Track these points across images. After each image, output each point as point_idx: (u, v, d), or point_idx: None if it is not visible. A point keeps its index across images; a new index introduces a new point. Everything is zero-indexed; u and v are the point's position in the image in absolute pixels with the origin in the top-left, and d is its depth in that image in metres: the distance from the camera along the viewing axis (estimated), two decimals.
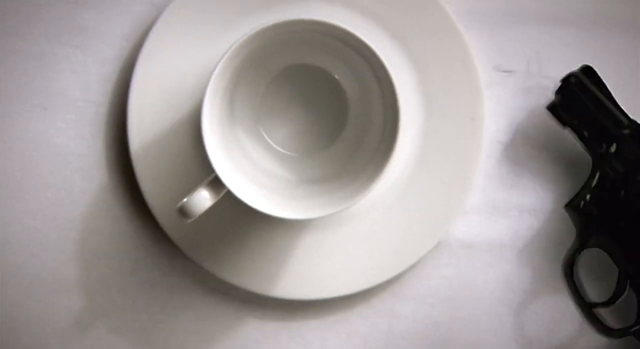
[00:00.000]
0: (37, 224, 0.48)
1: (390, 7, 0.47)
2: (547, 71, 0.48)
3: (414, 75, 0.48)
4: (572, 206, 0.46)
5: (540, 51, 0.49)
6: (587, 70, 0.46)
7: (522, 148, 0.49)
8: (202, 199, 0.42)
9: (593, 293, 0.48)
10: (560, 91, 0.46)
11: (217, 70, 0.42)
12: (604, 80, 0.47)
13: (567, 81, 0.46)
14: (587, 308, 0.46)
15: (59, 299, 0.48)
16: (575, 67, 0.47)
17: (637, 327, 0.46)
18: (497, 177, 0.49)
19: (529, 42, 0.49)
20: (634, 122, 0.46)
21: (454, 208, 0.47)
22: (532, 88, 0.48)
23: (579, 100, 0.46)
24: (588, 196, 0.46)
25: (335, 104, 0.47)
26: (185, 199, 0.42)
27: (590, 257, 0.48)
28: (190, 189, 0.43)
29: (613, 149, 0.46)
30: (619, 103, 0.46)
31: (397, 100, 0.42)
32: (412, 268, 0.47)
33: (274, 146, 0.48)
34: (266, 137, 0.48)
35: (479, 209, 0.49)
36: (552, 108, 0.46)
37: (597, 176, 0.46)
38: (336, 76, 0.47)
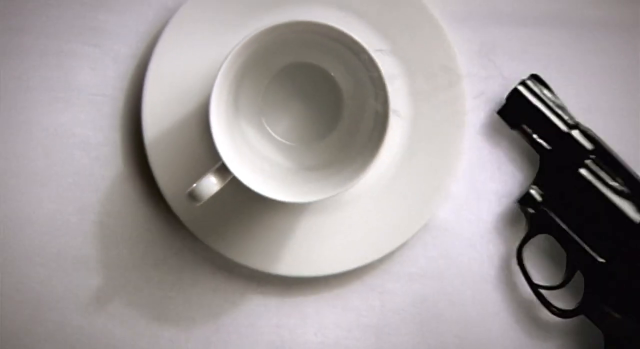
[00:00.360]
0: (59, 207, 0.51)
1: (381, 10, 0.50)
2: (523, 70, 0.51)
3: (402, 73, 0.50)
4: (521, 200, 0.50)
5: (518, 51, 0.51)
6: (534, 78, 0.50)
7: (500, 141, 0.51)
8: (210, 184, 0.45)
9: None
10: (509, 98, 0.50)
11: (223, 68, 0.45)
12: (585, 80, 0.51)
13: (514, 90, 0.49)
14: (535, 290, 0.50)
15: (80, 277, 0.51)
16: (554, 67, 0.51)
17: (585, 306, 0.49)
18: (478, 166, 0.51)
19: (508, 42, 0.52)
20: (577, 123, 0.49)
21: (439, 193, 0.50)
22: (510, 86, 0.50)
23: (525, 106, 0.49)
24: (535, 191, 0.49)
25: (331, 98, 0.50)
26: (194, 185, 0.45)
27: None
28: (199, 175, 0.45)
29: (557, 147, 0.49)
30: (568, 104, 0.50)
31: (387, 95, 0.45)
32: (401, 247, 0.50)
33: (275, 136, 0.50)
34: (268, 128, 0.50)
35: (462, 195, 0.51)
36: (502, 112, 0.50)
37: (543, 172, 0.50)
38: (332, 73, 0.49)
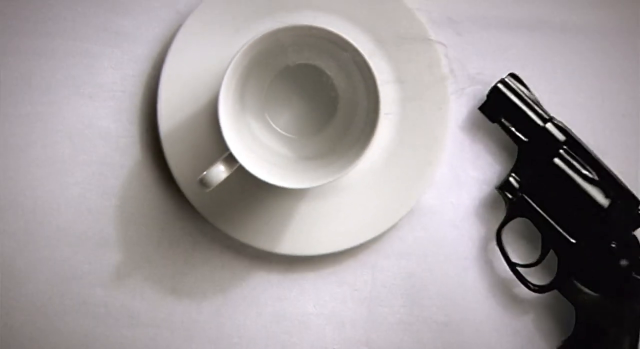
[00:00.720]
0: (83, 192, 0.54)
1: (373, 16, 0.53)
2: (503, 71, 0.55)
3: (392, 73, 0.54)
4: (501, 187, 0.54)
5: (498, 53, 0.55)
6: (512, 77, 0.54)
7: (481, 134, 0.55)
8: (219, 172, 0.48)
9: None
10: (489, 95, 0.54)
11: (230, 68, 0.48)
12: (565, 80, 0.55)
13: (494, 87, 0.53)
14: (512, 268, 0.54)
15: (102, 254, 0.54)
16: (530, 67, 0.55)
17: (557, 282, 0.54)
18: (460, 157, 0.55)
19: (488, 46, 0.55)
20: (551, 117, 0.53)
21: (425, 180, 0.54)
22: (489, 84, 0.54)
23: (504, 102, 0.53)
24: (513, 178, 0.54)
25: (327, 95, 0.53)
26: (204, 173, 0.48)
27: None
28: (209, 164, 0.48)
29: (533, 139, 0.53)
30: (543, 100, 0.54)
31: (378, 92, 0.48)
32: (390, 229, 0.54)
33: (277, 129, 0.53)
34: (271, 122, 0.53)
35: (445, 182, 0.55)
36: (483, 108, 0.54)
37: (521, 161, 0.54)
38: (328, 72, 0.53)
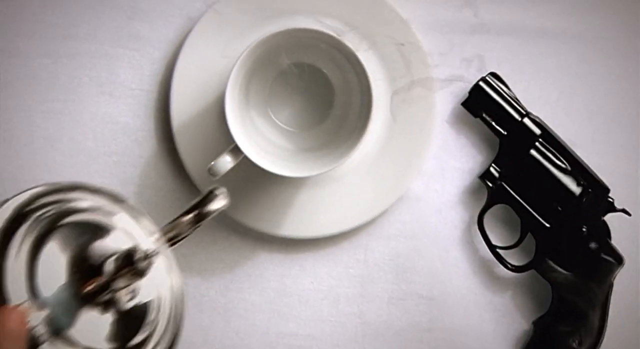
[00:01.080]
0: (105, 181, 0.59)
1: (368, 21, 0.58)
2: (484, 70, 0.60)
3: (383, 72, 0.58)
4: (483, 176, 0.59)
5: (481, 56, 0.60)
6: (492, 76, 0.59)
7: (463, 127, 0.60)
8: (225, 162, 0.53)
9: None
10: (471, 91, 0.59)
11: (235, 68, 0.53)
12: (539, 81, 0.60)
13: (476, 85, 0.58)
14: (493, 250, 0.59)
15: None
16: (509, 67, 0.60)
17: (534, 263, 0.59)
18: (446, 148, 0.60)
19: (472, 50, 0.60)
20: (528, 112, 0.58)
21: (413, 170, 0.59)
22: (471, 82, 0.59)
23: (485, 98, 0.58)
24: (493, 168, 0.59)
25: (325, 92, 0.58)
26: (212, 162, 0.53)
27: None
28: (217, 155, 0.53)
29: (511, 132, 0.58)
30: (520, 97, 0.59)
31: (371, 89, 0.53)
32: (381, 214, 0.59)
33: (279, 123, 0.58)
34: (273, 117, 0.58)
35: (431, 171, 0.60)
36: (465, 104, 0.59)
37: (501, 152, 0.59)
38: (325, 71, 0.58)
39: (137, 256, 0.40)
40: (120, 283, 0.41)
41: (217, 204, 0.42)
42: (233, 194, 0.56)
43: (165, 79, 0.60)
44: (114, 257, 0.41)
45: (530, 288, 0.61)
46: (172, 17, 0.60)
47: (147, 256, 0.40)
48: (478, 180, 0.60)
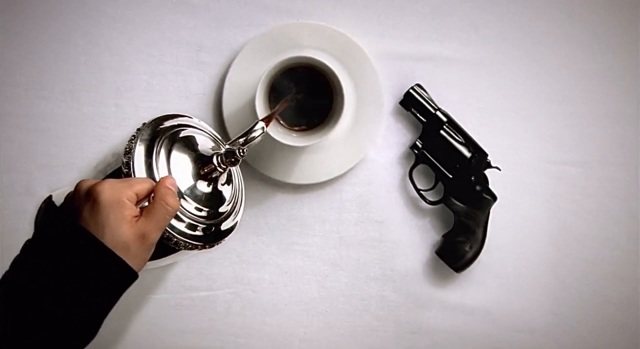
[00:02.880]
0: None
1: (343, 55, 0.93)
2: (413, 80, 0.96)
3: (351, 82, 0.93)
4: (412, 147, 0.95)
5: (413, 73, 0.97)
6: (418, 86, 0.95)
7: (400, 117, 0.96)
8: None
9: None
10: (405, 95, 0.94)
11: (262, 80, 0.87)
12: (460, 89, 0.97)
13: (407, 91, 0.94)
14: (418, 191, 0.95)
15: None
16: (430, 78, 0.97)
17: (443, 199, 0.96)
18: (390, 130, 0.96)
19: (408, 70, 0.96)
20: (438, 108, 0.94)
21: (369, 143, 0.94)
22: (405, 89, 0.96)
23: (413, 99, 0.94)
24: (418, 142, 0.94)
25: (321, 99, 0.93)
26: None
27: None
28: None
29: (429, 120, 0.94)
30: (438, 96, 0.94)
31: (343, 93, 0.88)
32: (349, 170, 0.93)
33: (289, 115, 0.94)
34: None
35: (380, 144, 0.96)
36: (402, 102, 0.95)
37: (423, 133, 0.94)
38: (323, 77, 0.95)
39: (234, 152, 0.75)
40: (220, 168, 0.76)
41: (257, 130, 0.77)
42: (260, 156, 0.93)
43: (219, 88, 0.95)
44: (220, 151, 0.76)
45: (440, 215, 0.98)
46: (224, 50, 0.95)
47: (240, 152, 0.75)
48: (409, 149, 0.97)
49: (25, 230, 0.94)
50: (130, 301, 0.93)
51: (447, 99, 0.97)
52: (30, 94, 0.95)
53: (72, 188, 0.71)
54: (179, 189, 0.74)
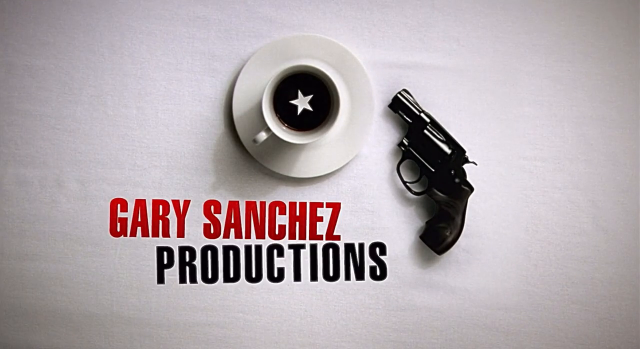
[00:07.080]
0: (192, 147, 1.05)
1: (340, 63, 1.03)
2: (401, 87, 1.08)
3: (346, 88, 1.03)
4: (399, 144, 1.07)
5: (400, 80, 1.08)
6: (404, 91, 1.06)
7: (389, 118, 1.07)
8: (262, 135, 0.97)
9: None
10: (393, 99, 1.06)
11: (268, 85, 0.97)
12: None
13: (395, 96, 1.06)
14: (404, 183, 1.07)
15: (198, 177, 1.08)
16: (416, 84, 1.10)
17: (427, 190, 1.07)
18: (380, 129, 1.06)
19: (397, 77, 1.07)
20: (422, 110, 1.06)
21: (363, 141, 1.04)
22: (393, 93, 1.08)
23: (400, 102, 1.04)
24: (405, 139, 1.06)
25: (320, 103, 1.06)
26: (255, 136, 0.97)
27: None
28: (257, 132, 0.98)
29: (414, 120, 1.05)
30: (423, 100, 1.05)
31: (339, 97, 0.99)
32: (345, 165, 1.04)
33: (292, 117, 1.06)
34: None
35: (372, 141, 1.07)
36: (390, 105, 1.06)
37: (409, 132, 1.05)
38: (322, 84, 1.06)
39: None
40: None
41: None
42: (266, 153, 1.05)
43: (229, 92, 1.03)
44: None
45: (424, 204, 1.09)
46: (234, 59, 1.05)
47: None
48: (397, 146, 1.08)
49: (56, 218, 1.05)
50: (143, 279, 1.04)
51: (430, 103, 1.07)
52: (62, 98, 1.06)
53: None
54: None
